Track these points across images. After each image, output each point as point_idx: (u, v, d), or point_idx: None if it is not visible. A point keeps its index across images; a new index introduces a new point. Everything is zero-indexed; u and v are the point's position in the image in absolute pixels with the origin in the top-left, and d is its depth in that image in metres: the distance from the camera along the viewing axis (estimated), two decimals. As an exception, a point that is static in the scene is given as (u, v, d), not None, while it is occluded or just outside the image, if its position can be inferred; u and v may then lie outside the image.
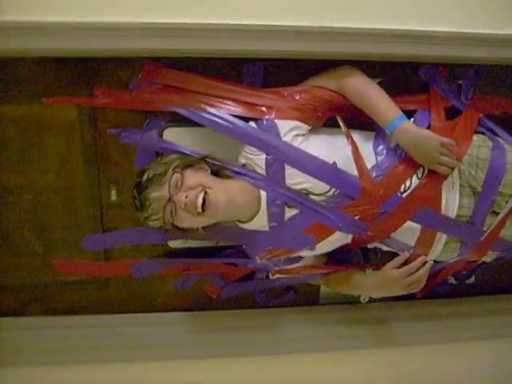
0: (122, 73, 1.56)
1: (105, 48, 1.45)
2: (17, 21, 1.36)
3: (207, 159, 1.53)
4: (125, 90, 1.57)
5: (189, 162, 1.49)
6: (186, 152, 1.57)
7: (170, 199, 1.39)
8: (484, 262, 1.77)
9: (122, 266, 1.74)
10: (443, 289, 2.03)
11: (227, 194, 1.43)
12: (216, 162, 1.54)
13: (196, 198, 1.38)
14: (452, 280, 2.01)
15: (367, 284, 1.62)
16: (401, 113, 1.49)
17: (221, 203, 1.41)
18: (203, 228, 1.52)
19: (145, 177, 1.43)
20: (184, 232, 1.52)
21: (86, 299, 1.84)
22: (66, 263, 1.74)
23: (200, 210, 1.38)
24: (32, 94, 1.55)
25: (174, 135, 1.61)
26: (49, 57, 1.52)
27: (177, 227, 1.47)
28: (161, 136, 1.61)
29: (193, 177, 1.44)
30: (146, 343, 1.81)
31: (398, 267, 1.55)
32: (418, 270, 1.54)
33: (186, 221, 1.43)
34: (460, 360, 1.95)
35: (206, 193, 1.39)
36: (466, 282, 2.04)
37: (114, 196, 1.69)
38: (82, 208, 1.70)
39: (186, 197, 1.38)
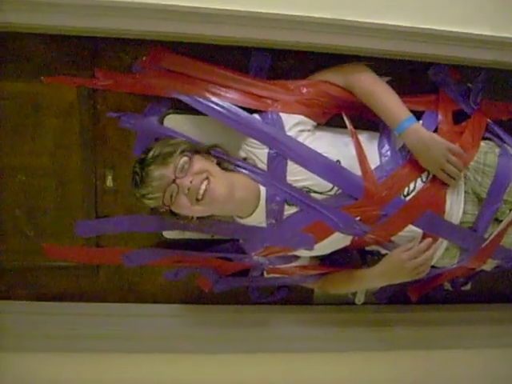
0: (126, 55, 1.52)
1: (109, 28, 1.42)
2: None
3: (212, 149, 1.50)
4: (127, 73, 1.53)
5: (196, 149, 1.46)
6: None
7: (173, 181, 1.35)
8: (482, 270, 1.74)
9: (112, 254, 1.70)
10: (438, 294, 2.00)
11: (228, 187, 1.40)
12: (221, 154, 1.51)
13: (200, 184, 1.35)
14: (448, 286, 1.98)
15: (370, 273, 1.56)
16: (410, 114, 1.46)
17: (220, 194, 1.37)
18: (198, 218, 1.48)
19: (150, 154, 1.39)
20: (177, 219, 1.48)
21: (75, 286, 1.79)
22: (56, 248, 1.70)
23: (200, 196, 1.35)
24: (31, 71, 1.51)
25: (174, 122, 1.57)
26: (51, 34, 1.47)
27: (171, 212, 1.44)
28: (161, 123, 1.57)
29: (200, 162, 1.41)
30: (134, 334, 1.77)
31: None
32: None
33: (185, 207, 1.39)
34: (453, 367, 1.94)
35: (208, 181, 1.36)
36: (462, 288, 2.01)
37: (109, 182, 1.65)
38: (75, 192, 1.66)
39: (191, 181, 1.35)
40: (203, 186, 1.35)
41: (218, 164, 1.49)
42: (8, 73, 1.50)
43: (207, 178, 1.37)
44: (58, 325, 1.75)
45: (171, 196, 1.37)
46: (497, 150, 1.57)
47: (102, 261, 1.75)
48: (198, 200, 1.36)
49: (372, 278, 1.57)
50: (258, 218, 1.50)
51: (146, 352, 1.76)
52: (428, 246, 1.49)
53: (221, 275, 1.75)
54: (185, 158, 1.38)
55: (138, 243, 1.71)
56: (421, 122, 1.56)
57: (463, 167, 1.48)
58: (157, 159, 1.37)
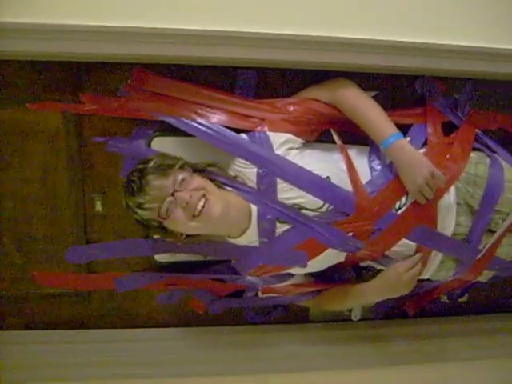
0: (110, 79, 1.52)
1: (92, 52, 1.41)
2: (0, 22, 1.31)
3: (208, 167, 1.50)
4: (113, 96, 1.52)
5: (194, 166, 1.45)
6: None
7: (172, 194, 1.35)
8: (478, 281, 1.73)
9: (105, 280, 1.67)
10: (435, 307, 1.99)
11: (224, 205, 1.38)
12: (216, 172, 1.50)
13: (198, 201, 1.35)
14: (445, 298, 1.97)
15: (367, 288, 1.56)
16: (396, 130, 1.45)
17: (217, 212, 1.36)
18: (187, 236, 1.46)
19: (151, 164, 1.37)
20: (166, 235, 1.46)
21: (68, 313, 1.77)
22: (47, 275, 1.67)
23: (197, 213, 1.34)
24: (16, 99, 1.50)
25: (162, 145, 1.55)
26: (34, 60, 1.47)
27: (161, 227, 1.42)
28: (149, 145, 1.55)
29: (199, 180, 1.40)
30: (130, 360, 1.75)
31: None
32: None
33: (180, 222, 1.37)
34: (452, 379, 1.92)
35: (206, 198, 1.36)
36: (459, 300, 2.00)
37: (98, 206, 1.64)
38: (65, 218, 1.64)
39: (191, 196, 1.34)
40: (201, 203, 1.35)
41: (212, 182, 1.47)
42: (-8, 101, 1.49)
43: (204, 196, 1.36)
44: (52, 353, 1.73)
45: (167, 209, 1.35)
46: (487, 161, 1.56)
47: (94, 287, 1.73)
48: (194, 216, 1.35)
49: (369, 294, 1.56)
50: (251, 238, 1.48)
51: (142, 378, 1.73)
52: (419, 258, 1.50)
53: (215, 297, 1.73)
54: (185, 173, 1.38)
55: (130, 267, 1.69)
56: (408, 138, 1.55)
57: (456, 175, 1.48)
58: (157, 169, 1.36)
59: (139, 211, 1.38)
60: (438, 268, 1.56)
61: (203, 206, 1.35)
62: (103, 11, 1.36)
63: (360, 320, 1.91)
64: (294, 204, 1.43)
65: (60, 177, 1.60)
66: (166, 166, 1.38)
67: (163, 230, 1.43)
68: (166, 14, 1.38)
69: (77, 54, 1.41)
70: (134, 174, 1.38)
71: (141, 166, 1.39)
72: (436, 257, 1.53)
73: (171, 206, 1.35)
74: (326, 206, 1.44)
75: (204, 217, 1.36)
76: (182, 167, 1.40)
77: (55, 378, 1.69)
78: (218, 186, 1.47)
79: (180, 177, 1.36)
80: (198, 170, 1.46)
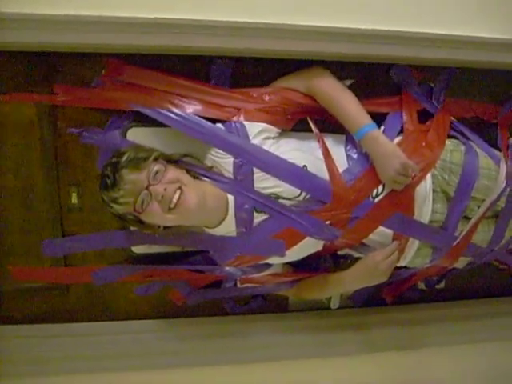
0: (85, 69, 1.49)
1: (66, 42, 1.38)
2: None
3: (183, 158, 1.49)
4: (87, 87, 1.50)
5: (169, 158, 1.44)
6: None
7: (146, 187, 1.33)
8: (455, 268, 1.75)
9: (82, 273, 1.65)
10: (413, 294, 2.02)
11: (200, 196, 1.38)
12: (191, 163, 1.49)
13: (173, 193, 1.34)
14: (422, 285, 2.00)
15: (347, 277, 1.56)
16: (370, 120, 1.46)
17: (193, 203, 1.36)
18: (165, 228, 1.46)
19: (124, 157, 1.36)
20: (143, 227, 1.46)
21: (45, 307, 1.75)
22: (24, 269, 1.65)
23: (173, 205, 1.34)
24: (-13, 90, 1.47)
25: (138, 135, 1.54)
26: (6, 51, 1.43)
27: (138, 220, 1.41)
28: (124, 136, 1.54)
29: (173, 172, 1.39)
30: (109, 353, 1.74)
31: None
32: None
33: (156, 214, 1.36)
34: (431, 365, 1.94)
35: (181, 190, 1.35)
36: (436, 287, 2.02)
37: (74, 199, 1.62)
38: (40, 211, 1.62)
39: (165, 189, 1.33)
40: (176, 195, 1.34)
41: (187, 172, 1.47)
42: (-37, 93, 1.46)
43: (180, 188, 1.35)
44: (29, 348, 1.71)
45: (143, 202, 1.34)
46: (462, 148, 1.58)
47: (71, 280, 1.71)
48: (170, 209, 1.35)
49: (347, 282, 1.57)
50: (228, 228, 1.48)
51: (121, 370, 1.72)
52: (396, 247, 1.51)
53: (193, 287, 1.72)
54: (159, 166, 1.37)
55: (107, 260, 1.67)
56: (383, 127, 1.56)
57: (431, 162, 1.50)
58: (131, 163, 1.35)
59: (114, 205, 1.37)
60: (414, 255, 1.57)
61: (179, 199, 1.34)
62: (75, 0, 1.34)
63: (339, 308, 1.93)
64: (271, 193, 1.43)
65: (34, 169, 1.57)
66: (140, 159, 1.36)
67: (140, 222, 1.43)
68: (140, 2, 1.36)
69: (49, 44, 1.39)
70: (108, 168, 1.37)
71: (114, 160, 1.37)
72: (413, 244, 1.54)
73: (146, 200, 1.34)
74: (303, 194, 1.44)
75: (180, 209, 1.35)
76: (156, 159, 1.38)
77: (32, 373, 1.68)
78: (194, 177, 1.46)
79: (154, 169, 1.35)
80: (172, 161, 1.45)
